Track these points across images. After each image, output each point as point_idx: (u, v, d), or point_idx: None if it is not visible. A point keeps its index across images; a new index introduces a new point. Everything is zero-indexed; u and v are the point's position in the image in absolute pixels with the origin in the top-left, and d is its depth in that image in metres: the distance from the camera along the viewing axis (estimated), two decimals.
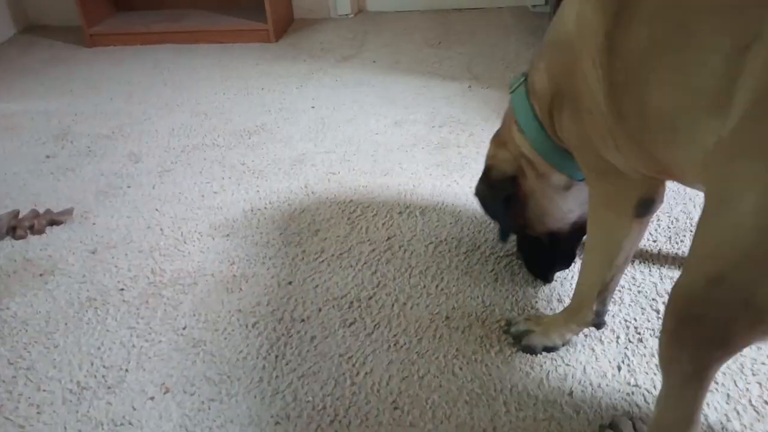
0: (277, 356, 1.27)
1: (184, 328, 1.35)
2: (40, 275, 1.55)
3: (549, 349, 1.22)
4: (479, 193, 1.32)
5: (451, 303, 1.37)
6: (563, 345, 1.22)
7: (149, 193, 1.88)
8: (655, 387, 1.13)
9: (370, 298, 1.40)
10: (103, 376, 1.25)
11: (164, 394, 1.20)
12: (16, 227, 1.71)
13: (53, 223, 1.75)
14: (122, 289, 1.48)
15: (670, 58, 0.79)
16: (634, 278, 1.38)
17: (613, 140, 0.95)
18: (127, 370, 1.26)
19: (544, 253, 1.35)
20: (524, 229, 1.32)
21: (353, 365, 1.23)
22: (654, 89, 0.82)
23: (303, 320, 1.35)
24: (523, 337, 1.23)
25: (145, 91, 2.63)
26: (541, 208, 1.26)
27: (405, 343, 1.27)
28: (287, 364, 1.25)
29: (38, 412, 1.18)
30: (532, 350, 1.22)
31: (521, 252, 1.41)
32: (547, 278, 1.39)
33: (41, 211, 1.78)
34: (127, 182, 1.95)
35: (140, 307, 1.42)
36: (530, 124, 1.16)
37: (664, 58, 0.79)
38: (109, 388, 1.22)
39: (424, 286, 1.42)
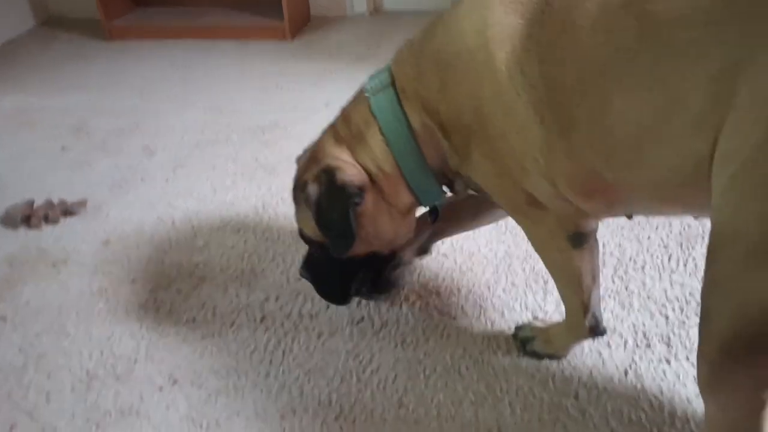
0: (284, 351, 1.27)
1: (193, 321, 1.36)
2: (53, 265, 1.57)
3: (552, 357, 1.21)
4: (317, 200, 1.07)
5: (460, 303, 1.37)
6: (565, 354, 1.21)
7: (162, 187, 1.90)
8: (662, 392, 1.13)
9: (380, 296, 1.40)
10: (112, 366, 1.26)
11: (172, 385, 1.21)
12: (30, 216, 1.73)
13: (67, 213, 1.77)
14: (133, 281, 1.50)
15: (639, 69, 0.75)
16: (644, 283, 1.38)
17: (541, 161, 0.89)
18: (136, 361, 1.27)
19: (345, 273, 1.19)
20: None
21: (360, 362, 1.24)
22: (617, 99, 0.77)
23: (311, 316, 1.35)
24: (528, 343, 1.23)
25: (161, 86, 2.65)
26: (378, 229, 1.12)
27: (412, 342, 1.28)
28: (294, 359, 1.25)
29: (47, 400, 1.19)
30: (536, 355, 1.22)
31: (308, 275, 1.23)
32: (344, 300, 1.25)
33: (56, 201, 1.80)
34: (141, 176, 1.97)
35: (150, 299, 1.43)
36: (401, 137, 1.03)
37: (631, 68, 0.75)
38: (117, 377, 1.23)
39: (433, 286, 1.42)
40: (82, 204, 1.80)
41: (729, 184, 0.69)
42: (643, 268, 1.42)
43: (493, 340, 1.27)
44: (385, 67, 1.09)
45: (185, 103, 2.47)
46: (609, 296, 1.35)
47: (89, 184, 1.93)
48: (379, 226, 1.11)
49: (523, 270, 1.45)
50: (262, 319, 1.36)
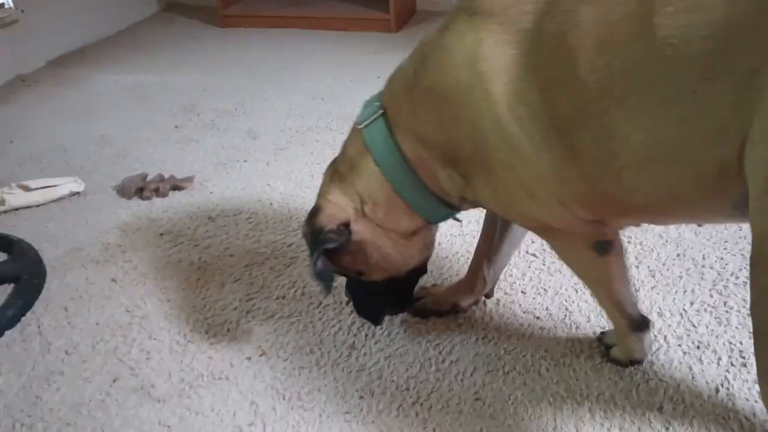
0: (366, 335, 1.31)
1: (283, 298, 1.42)
2: (160, 234, 1.68)
3: (634, 362, 1.18)
4: (305, 237, 1.14)
5: (545, 304, 1.35)
6: (643, 356, 1.18)
7: (263, 169, 1.98)
8: (754, 414, 1.07)
9: None
10: (207, 333, 1.34)
11: (260, 356, 1.27)
12: (143, 189, 1.86)
13: (176, 188, 1.88)
14: (231, 255, 1.58)
15: (649, 87, 0.73)
16: (744, 300, 1.31)
17: (551, 187, 0.88)
18: (228, 330, 1.34)
19: (376, 295, 1.22)
20: (358, 274, 1.18)
21: (440, 352, 1.25)
22: (625, 120, 0.76)
23: None
24: (610, 350, 1.21)
25: (267, 72, 2.76)
26: (380, 256, 1.13)
27: (493, 338, 1.28)
28: (376, 343, 1.28)
29: (147, 358, 1.29)
30: (620, 363, 1.19)
31: (350, 295, 1.26)
32: (377, 321, 1.27)
33: (166, 176, 1.92)
34: (244, 156, 2.06)
35: (245, 273, 1.51)
36: (392, 164, 1.04)
37: (640, 87, 0.74)
38: (211, 344, 1.31)
39: (520, 285, 1.41)
40: (190, 180, 1.91)
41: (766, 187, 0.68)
42: (745, 284, 1.35)
43: (576, 343, 1.25)
44: (377, 95, 1.09)
45: (288, 88, 2.56)
46: (705, 311, 1.29)
47: (196, 161, 2.05)
48: (383, 250, 1.12)
49: None
50: (348, 301, 1.40)
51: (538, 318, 1.32)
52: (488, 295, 1.36)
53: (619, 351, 1.19)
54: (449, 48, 0.90)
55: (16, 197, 1.83)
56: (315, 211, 1.11)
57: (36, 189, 1.85)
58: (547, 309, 1.34)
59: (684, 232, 1.54)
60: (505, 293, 1.39)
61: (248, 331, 1.34)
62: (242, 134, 2.22)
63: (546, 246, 1.51)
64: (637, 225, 1.05)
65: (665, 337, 1.25)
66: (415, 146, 1.01)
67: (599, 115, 0.77)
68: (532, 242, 1.53)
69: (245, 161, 2.04)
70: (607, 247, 1.00)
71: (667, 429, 1.06)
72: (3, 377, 1.25)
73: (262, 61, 2.89)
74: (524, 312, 1.34)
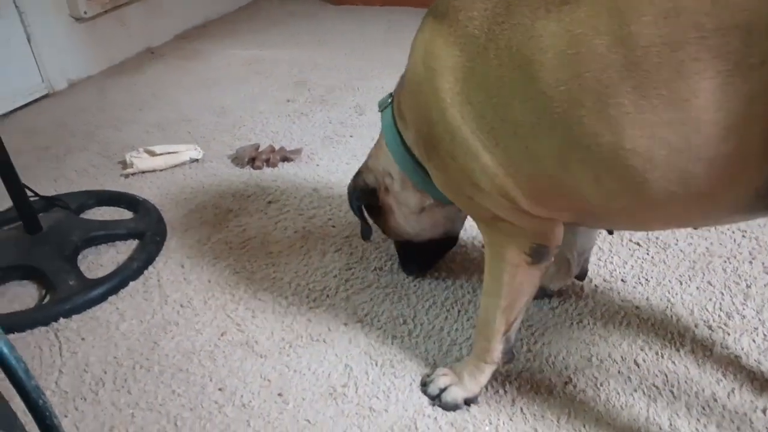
0: (459, 311, 1.33)
1: (380, 269, 1.47)
2: (269, 202, 1.77)
3: (469, 401, 1.12)
4: (349, 190, 1.32)
5: (646, 294, 1.31)
6: (479, 393, 1.13)
7: (368, 145, 2.01)
8: None
9: None
10: (307, 297, 1.41)
11: (355, 322, 1.32)
12: (255, 159, 1.96)
13: (285, 159, 1.97)
14: (333, 226, 1.64)
15: (627, 98, 0.72)
16: None
17: (496, 180, 0.89)
18: (327, 296, 1.40)
19: (407, 252, 1.41)
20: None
21: (532, 333, 1.25)
22: (602, 131, 0.75)
23: None
24: (442, 395, 1.13)
25: (376, 49, 2.80)
26: (395, 223, 1.29)
27: (588, 324, 1.26)
28: (468, 320, 1.30)
29: (253, 316, 1.37)
30: (454, 407, 1.12)
31: (397, 249, 1.45)
32: (409, 272, 1.44)
33: (277, 147, 2.01)
34: (351, 131, 2.12)
35: (344, 244, 1.57)
36: (395, 146, 1.14)
37: (617, 98, 0.73)
38: (310, 307, 1.38)
39: (620, 273, 1.38)
40: (298, 152, 1.99)
41: None
42: None
43: (677, 336, 1.21)
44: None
45: (396, 67, 2.57)
46: None
47: (305, 135, 2.13)
48: (396, 219, 1.28)
49: (724, 270, 1.35)
50: (444, 277, 1.42)
51: (637, 308, 1.28)
52: (579, 278, 1.33)
53: (460, 388, 1.12)
54: (415, 46, 0.98)
55: (142, 161, 1.98)
56: (358, 173, 1.30)
57: (160, 154, 1.99)
58: (647, 299, 1.30)
59: None
60: (604, 280, 1.36)
61: (346, 299, 1.39)
62: (349, 110, 2.28)
63: (651, 235, 1.46)
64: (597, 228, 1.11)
65: None
66: (408, 130, 1.09)
67: (570, 125, 0.77)
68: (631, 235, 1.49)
69: (351, 136, 2.09)
70: (542, 255, 0.98)
71: None
72: (127, 323, 1.38)
73: (372, 38, 2.94)
74: (623, 300, 1.30)
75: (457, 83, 0.88)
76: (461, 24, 0.87)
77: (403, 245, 1.39)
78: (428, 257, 1.42)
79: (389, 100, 1.17)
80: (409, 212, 1.25)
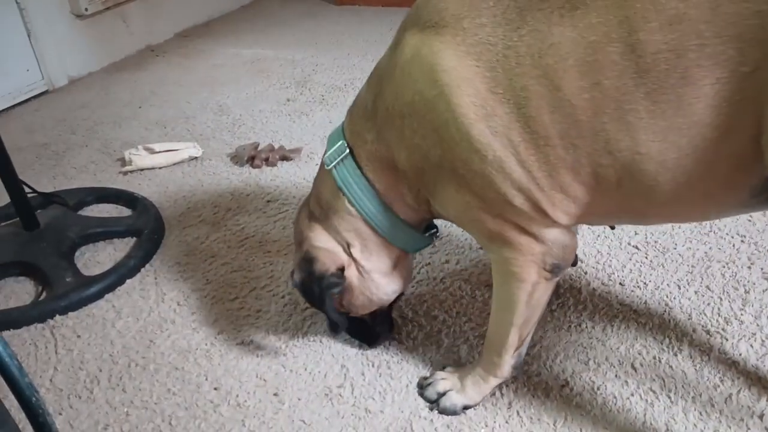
0: (458, 312, 1.32)
1: None
2: (267, 201, 1.77)
3: (467, 407, 1.11)
4: (301, 285, 1.12)
5: (644, 298, 1.31)
6: (480, 401, 1.12)
7: None
8: None
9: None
10: None
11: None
12: (254, 157, 1.95)
13: (284, 158, 1.97)
14: None
15: (645, 103, 0.74)
16: None
17: (523, 195, 0.86)
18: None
19: (366, 326, 1.23)
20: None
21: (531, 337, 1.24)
22: (621, 136, 0.77)
23: (488, 286, 1.38)
24: (441, 399, 1.12)
25: (379, 50, 2.78)
26: (367, 296, 1.13)
27: (586, 328, 1.25)
28: (467, 321, 1.30)
29: (248, 315, 1.37)
30: (452, 412, 1.11)
31: (339, 324, 1.18)
32: (373, 344, 1.25)
33: (276, 146, 2.01)
34: None
35: None
36: (367, 200, 1.04)
37: (632, 104, 0.74)
38: (307, 308, 1.37)
39: (618, 276, 1.37)
40: (298, 151, 1.99)
41: None
42: None
43: (675, 341, 1.20)
44: (337, 130, 1.08)
45: None
46: None
47: (305, 134, 2.13)
48: (369, 291, 1.13)
49: (723, 275, 1.34)
50: (442, 279, 1.42)
51: (635, 311, 1.28)
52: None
53: (461, 395, 1.11)
54: (404, 65, 0.89)
55: (141, 158, 1.98)
56: (310, 259, 1.10)
57: (159, 152, 1.99)
58: (645, 303, 1.30)
59: None
60: (603, 283, 1.36)
61: None
62: None
63: (649, 238, 1.46)
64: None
65: None
66: (383, 174, 1.02)
67: (596, 132, 0.78)
68: (636, 234, 1.48)
69: None
70: (561, 268, 0.97)
71: None
72: (123, 320, 1.37)
73: (374, 39, 2.94)
74: (621, 304, 1.30)
75: (478, 96, 0.82)
76: (470, 32, 0.82)
77: (364, 318, 1.21)
78: (390, 314, 1.28)
79: (344, 153, 1.04)
80: (381, 276, 1.12)
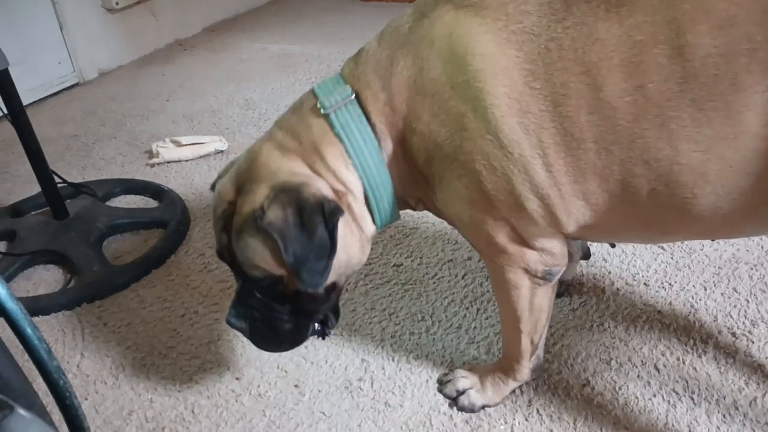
0: (478, 309, 1.32)
1: (400, 265, 1.47)
2: None
3: (486, 406, 1.10)
4: (281, 225, 0.86)
5: (668, 298, 1.29)
6: (499, 401, 1.11)
7: None
8: None
9: (582, 275, 1.37)
10: None
11: (373, 317, 1.32)
12: None
13: None
14: None
15: (690, 110, 0.70)
16: None
17: (539, 201, 0.82)
18: (346, 290, 1.41)
19: (305, 308, 0.99)
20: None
21: (551, 335, 1.24)
22: (662, 142, 0.73)
23: None
24: (460, 398, 1.11)
25: None
26: (350, 254, 0.95)
27: (609, 327, 1.24)
28: (487, 318, 1.29)
29: None
30: (471, 410, 1.10)
31: (244, 318, 1.00)
32: (301, 342, 1.05)
33: None
34: None
35: None
36: (372, 162, 0.91)
37: (677, 110, 0.71)
38: None
39: (643, 276, 1.36)
40: None
41: None
42: None
43: (700, 343, 1.19)
44: (334, 78, 0.96)
45: None
46: None
47: None
48: (350, 251, 0.95)
49: (750, 277, 1.32)
50: (463, 275, 1.41)
51: (659, 312, 1.26)
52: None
53: (480, 395, 1.10)
54: (436, 39, 0.82)
55: (168, 151, 2.00)
56: (294, 187, 0.89)
57: (186, 145, 2.01)
58: (670, 304, 1.28)
59: None
60: (627, 283, 1.34)
61: (364, 293, 1.39)
62: None
63: None
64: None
65: None
66: (389, 140, 0.91)
67: (633, 139, 0.74)
68: None
69: None
70: (554, 273, 0.95)
71: None
72: (147, 310, 1.40)
73: None
74: (645, 304, 1.29)
75: (514, 88, 0.77)
76: (514, 18, 0.77)
77: (315, 295, 0.97)
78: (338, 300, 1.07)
79: (347, 98, 0.91)
80: (365, 240, 0.98)
